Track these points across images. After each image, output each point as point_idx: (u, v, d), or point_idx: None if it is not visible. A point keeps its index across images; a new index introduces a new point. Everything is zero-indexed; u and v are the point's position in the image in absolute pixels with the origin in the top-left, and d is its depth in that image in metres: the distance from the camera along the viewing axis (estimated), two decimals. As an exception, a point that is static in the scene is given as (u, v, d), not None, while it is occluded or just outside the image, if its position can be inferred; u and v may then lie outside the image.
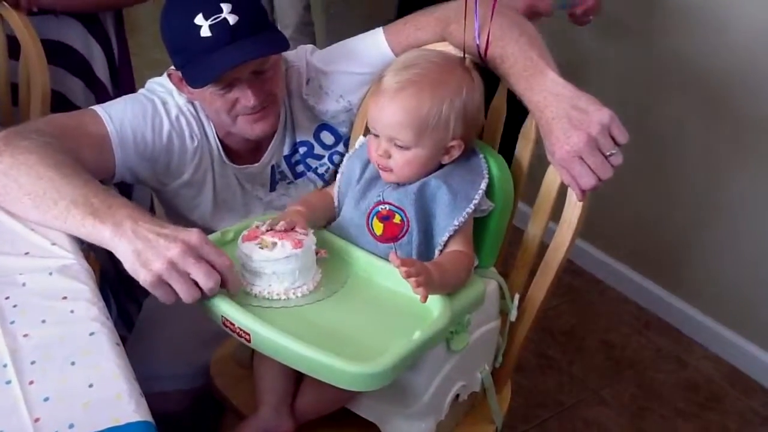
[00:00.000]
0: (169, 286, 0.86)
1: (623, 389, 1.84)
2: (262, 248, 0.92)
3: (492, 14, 1.03)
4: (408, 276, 0.86)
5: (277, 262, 0.91)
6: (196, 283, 0.87)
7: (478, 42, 1.05)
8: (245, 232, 0.96)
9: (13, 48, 1.50)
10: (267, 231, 0.95)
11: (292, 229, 0.95)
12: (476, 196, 0.99)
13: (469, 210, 0.98)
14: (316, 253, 0.96)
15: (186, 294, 0.87)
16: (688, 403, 1.81)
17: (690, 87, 1.85)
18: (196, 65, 1.06)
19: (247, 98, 1.09)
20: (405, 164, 0.99)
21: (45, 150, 0.99)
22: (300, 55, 1.23)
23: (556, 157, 0.95)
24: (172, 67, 1.14)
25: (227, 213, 1.27)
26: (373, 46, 1.18)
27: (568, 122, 0.92)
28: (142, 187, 1.54)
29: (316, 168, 1.28)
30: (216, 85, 1.08)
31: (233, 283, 0.89)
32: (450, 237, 0.98)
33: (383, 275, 0.98)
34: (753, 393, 1.84)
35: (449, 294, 0.94)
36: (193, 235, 0.88)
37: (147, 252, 0.86)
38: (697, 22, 1.79)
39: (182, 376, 1.25)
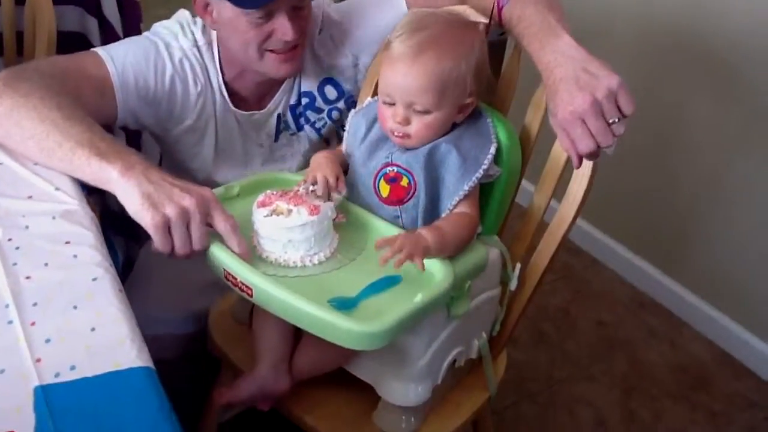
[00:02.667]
0: (170, 235, 0.86)
1: (614, 368, 1.86)
2: (277, 215, 0.91)
3: None
4: (384, 261, 0.87)
5: (292, 230, 0.90)
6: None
7: (503, 3, 1.03)
8: (260, 197, 0.94)
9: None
10: (281, 196, 0.93)
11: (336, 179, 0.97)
12: (485, 162, 0.98)
13: (478, 175, 0.97)
14: (334, 219, 0.95)
15: (182, 246, 0.87)
16: (678, 384, 1.83)
17: (695, 68, 1.84)
18: None
19: (285, 31, 1.08)
20: (425, 128, 0.97)
21: (46, 92, 0.98)
22: (318, 3, 1.22)
23: (558, 118, 0.92)
24: None
25: (228, 161, 1.27)
26: (391, 3, 1.17)
27: (575, 83, 0.90)
28: (152, 143, 1.53)
29: (314, 122, 1.28)
30: (256, 12, 1.07)
31: (239, 243, 0.89)
32: (458, 202, 0.98)
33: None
34: (742, 377, 1.86)
35: (451, 258, 0.94)
36: (207, 191, 0.90)
37: (159, 195, 0.86)
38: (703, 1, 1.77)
39: (175, 320, 1.26)
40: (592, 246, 2.24)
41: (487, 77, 1.02)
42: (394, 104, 0.97)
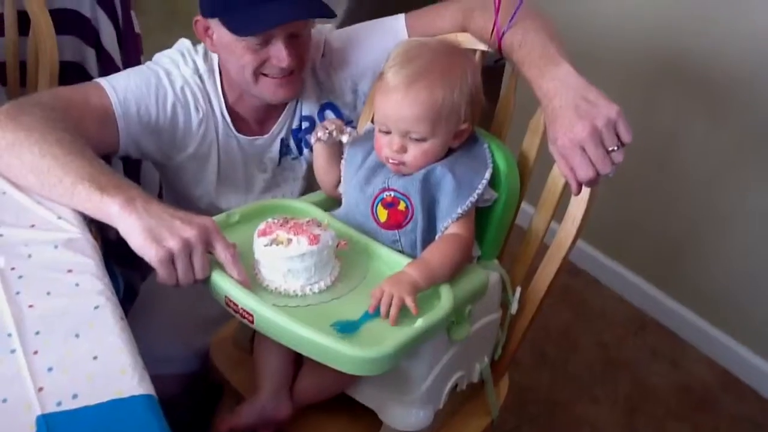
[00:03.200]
0: (173, 267, 0.87)
1: (616, 389, 1.85)
2: (277, 244, 0.91)
3: (518, 7, 1.04)
4: (374, 309, 0.88)
5: (292, 260, 0.90)
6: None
7: (505, 30, 1.05)
8: (261, 227, 0.95)
9: (23, 25, 1.50)
10: (281, 225, 0.94)
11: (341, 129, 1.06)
12: (479, 186, 0.99)
13: (472, 199, 0.98)
14: (337, 245, 0.95)
15: (185, 277, 0.88)
16: (681, 405, 1.82)
17: (692, 89, 1.86)
18: (243, 14, 1.07)
19: (280, 58, 1.10)
20: (421, 155, 0.99)
21: (46, 126, 0.99)
22: (320, 30, 1.24)
23: (558, 144, 0.94)
24: (200, 16, 1.14)
25: (230, 188, 1.28)
26: (392, 30, 1.19)
27: (575, 112, 0.92)
28: (151, 175, 1.54)
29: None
30: (253, 39, 1.09)
31: (240, 272, 0.90)
32: (451, 223, 0.98)
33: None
34: (745, 397, 1.85)
35: (451, 283, 0.95)
36: (208, 221, 0.91)
37: (161, 229, 0.87)
38: (701, 22, 1.79)
39: (178, 359, 1.25)
40: (591, 266, 2.24)
41: (481, 103, 1.03)
42: (390, 133, 0.99)
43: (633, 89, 1.95)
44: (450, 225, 0.98)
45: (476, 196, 0.99)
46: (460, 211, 0.98)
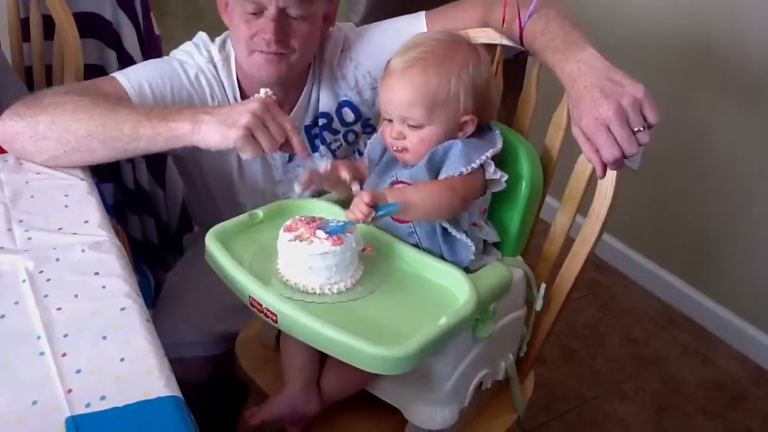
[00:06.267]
0: (256, 141, 0.95)
1: (645, 385, 1.83)
2: (300, 241, 0.92)
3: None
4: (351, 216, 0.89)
5: (312, 257, 0.90)
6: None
7: (525, 20, 1.04)
8: (289, 222, 0.95)
9: (48, 28, 1.52)
10: (307, 223, 0.94)
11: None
12: (483, 156, 0.97)
13: (474, 165, 0.96)
14: (363, 250, 0.96)
15: (270, 144, 0.96)
16: (712, 401, 1.79)
17: (726, 81, 1.83)
18: None
19: (266, 31, 1.11)
20: (419, 142, 0.98)
21: (72, 96, 1.04)
22: (340, 27, 1.25)
23: (582, 124, 0.91)
24: None
25: (251, 179, 1.29)
26: (412, 27, 1.19)
27: (600, 91, 0.90)
28: (176, 177, 1.56)
29: (330, 143, 1.29)
30: (247, 5, 1.11)
31: (298, 143, 0.98)
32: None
33: (424, 269, 0.97)
34: (778, 393, 1.82)
35: (475, 280, 0.94)
36: (260, 99, 0.98)
37: (230, 115, 0.95)
38: (730, 13, 1.76)
39: (201, 343, 1.27)
40: (618, 261, 2.21)
41: (488, 98, 1.02)
42: (392, 121, 0.99)
43: (663, 81, 1.92)
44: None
45: (478, 163, 0.96)
46: (462, 169, 0.96)
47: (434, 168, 0.98)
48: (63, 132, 1.01)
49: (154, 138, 0.99)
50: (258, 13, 1.11)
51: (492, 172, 0.99)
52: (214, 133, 0.95)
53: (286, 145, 0.99)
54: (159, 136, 0.98)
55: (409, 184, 0.99)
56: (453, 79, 0.97)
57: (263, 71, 1.16)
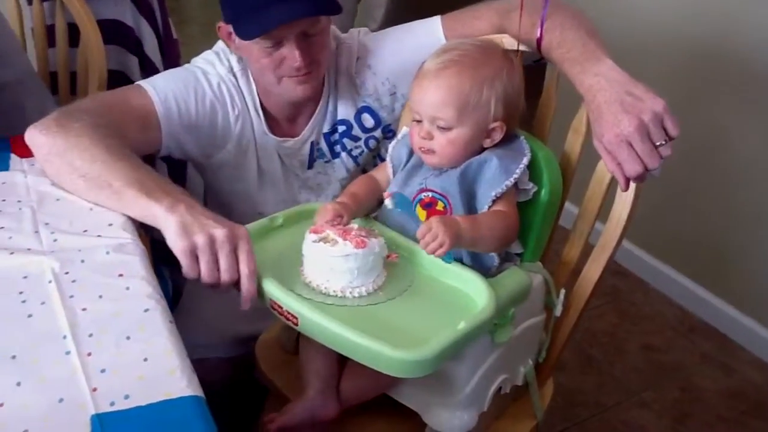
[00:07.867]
0: (197, 262, 0.90)
1: (665, 393, 1.82)
2: (324, 242, 0.93)
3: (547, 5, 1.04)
4: (425, 247, 0.89)
5: (334, 259, 0.91)
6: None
7: (541, 29, 1.04)
8: (316, 226, 0.97)
9: (72, 36, 1.55)
10: (333, 226, 0.95)
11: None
12: (517, 170, 0.98)
13: (508, 183, 0.98)
14: (387, 257, 0.96)
15: (208, 274, 0.90)
16: (733, 410, 1.77)
17: (742, 85, 1.81)
18: (248, 18, 1.09)
19: (293, 58, 1.11)
20: (447, 144, 0.99)
21: (96, 132, 1.03)
22: (353, 34, 1.26)
23: (604, 140, 0.92)
24: (222, 22, 1.17)
25: (270, 186, 1.30)
26: (428, 32, 1.19)
27: (621, 106, 0.91)
28: (197, 179, 1.58)
29: (351, 150, 1.30)
30: (264, 41, 1.11)
31: (248, 291, 0.91)
32: (492, 203, 0.98)
33: (443, 274, 0.98)
34: (801, 402, 1.80)
35: (494, 285, 0.94)
36: (241, 229, 0.93)
37: (194, 225, 0.90)
38: (742, 14, 1.74)
39: (221, 345, 1.29)
40: (638, 267, 2.20)
41: (519, 107, 1.03)
42: (421, 121, 1.00)
43: (678, 87, 1.91)
44: (491, 204, 0.98)
45: (513, 179, 0.98)
46: (499, 189, 0.97)
47: (467, 181, 0.99)
48: (65, 163, 1.02)
49: (132, 206, 0.97)
50: (276, 45, 1.12)
51: (525, 182, 1.00)
52: (172, 230, 0.91)
53: (239, 283, 0.92)
54: (136, 206, 0.96)
55: (438, 194, 1.00)
56: (486, 85, 0.98)
57: (298, 93, 1.17)
